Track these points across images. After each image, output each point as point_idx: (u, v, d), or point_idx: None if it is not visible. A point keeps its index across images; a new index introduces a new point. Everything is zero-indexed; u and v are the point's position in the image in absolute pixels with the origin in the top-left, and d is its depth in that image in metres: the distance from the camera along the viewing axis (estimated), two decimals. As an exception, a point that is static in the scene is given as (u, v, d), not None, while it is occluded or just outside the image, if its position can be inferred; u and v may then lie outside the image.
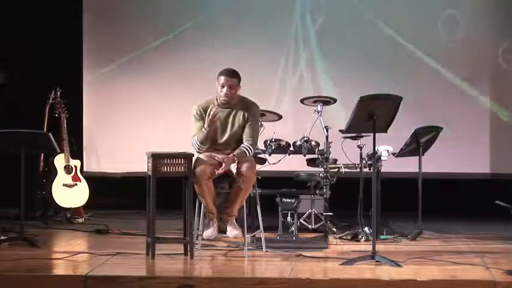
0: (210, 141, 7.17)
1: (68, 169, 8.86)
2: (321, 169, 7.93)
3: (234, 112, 7.24)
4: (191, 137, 7.21)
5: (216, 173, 6.97)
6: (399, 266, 6.38)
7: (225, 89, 7.17)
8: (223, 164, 6.96)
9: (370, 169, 7.72)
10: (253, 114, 7.25)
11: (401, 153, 7.92)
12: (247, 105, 7.26)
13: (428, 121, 8.32)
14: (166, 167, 6.71)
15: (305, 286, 5.95)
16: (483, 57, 9.63)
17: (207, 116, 7.10)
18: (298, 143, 7.95)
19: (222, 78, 7.19)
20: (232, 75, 7.20)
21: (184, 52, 9.81)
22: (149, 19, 9.88)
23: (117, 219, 8.95)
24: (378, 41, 9.64)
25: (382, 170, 7.88)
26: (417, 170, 7.88)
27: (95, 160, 9.94)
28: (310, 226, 8.04)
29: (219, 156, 7.03)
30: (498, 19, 9.59)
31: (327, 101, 8.14)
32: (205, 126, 7.08)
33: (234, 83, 7.18)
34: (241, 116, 7.22)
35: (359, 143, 7.78)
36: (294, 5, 9.76)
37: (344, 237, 7.72)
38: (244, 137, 7.22)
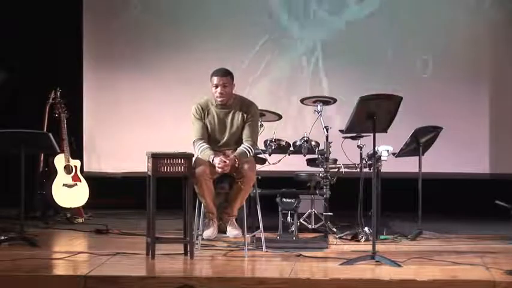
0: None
1: (68, 169, 8.85)
2: (321, 169, 7.93)
3: (232, 112, 7.23)
4: (193, 138, 7.21)
5: (218, 165, 6.96)
6: (399, 266, 6.38)
7: (219, 88, 7.16)
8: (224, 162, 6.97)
9: (370, 169, 7.72)
10: (252, 114, 7.24)
11: (401, 153, 7.91)
12: (245, 105, 7.25)
13: (428, 121, 8.32)
14: (166, 167, 6.70)
15: (305, 286, 5.94)
16: (483, 56, 9.64)
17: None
18: (298, 143, 7.95)
19: (215, 79, 7.18)
20: (224, 74, 7.19)
21: (184, 52, 9.80)
22: (149, 19, 9.88)
23: (117, 219, 8.94)
24: (378, 40, 9.63)
25: (382, 170, 7.87)
26: (417, 170, 7.88)
27: (95, 160, 9.93)
28: (310, 226, 8.04)
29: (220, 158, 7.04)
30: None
31: (327, 101, 8.14)
32: (211, 156, 7.05)
33: (227, 81, 7.17)
34: (240, 116, 7.21)
35: (359, 143, 7.77)
36: (295, 6, 9.76)
37: (344, 237, 7.71)
38: (243, 137, 7.21)
